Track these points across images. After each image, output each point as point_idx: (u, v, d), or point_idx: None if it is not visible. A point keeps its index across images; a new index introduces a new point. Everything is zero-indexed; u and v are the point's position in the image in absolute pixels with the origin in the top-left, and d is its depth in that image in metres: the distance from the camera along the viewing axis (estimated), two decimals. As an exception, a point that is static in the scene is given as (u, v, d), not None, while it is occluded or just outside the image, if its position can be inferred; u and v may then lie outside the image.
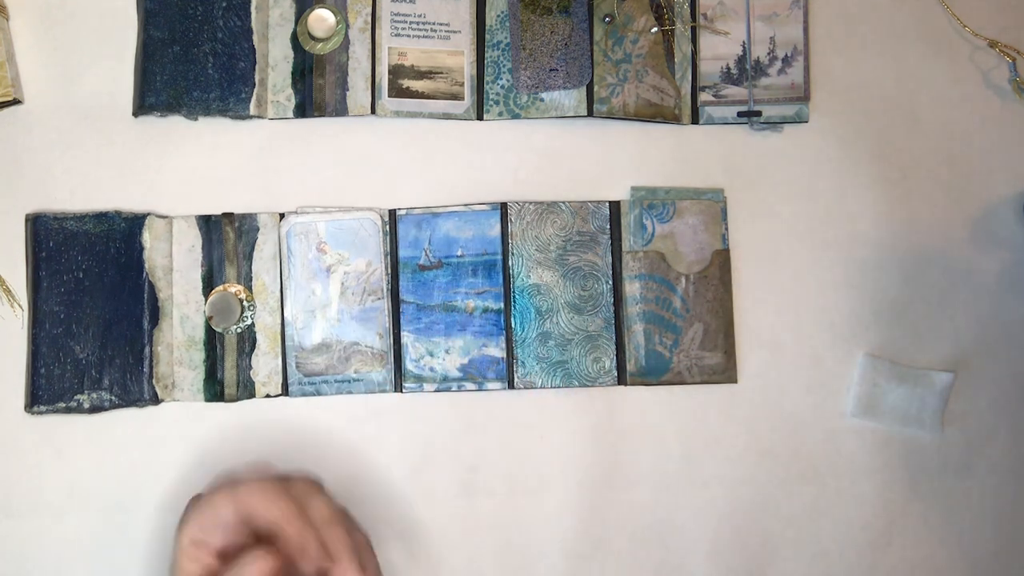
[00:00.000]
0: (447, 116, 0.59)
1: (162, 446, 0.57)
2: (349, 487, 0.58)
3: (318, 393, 0.57)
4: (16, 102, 0.58)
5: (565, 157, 0.60)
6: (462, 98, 0.59)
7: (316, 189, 0.59)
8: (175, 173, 0.59)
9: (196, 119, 0.59)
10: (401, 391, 0.58)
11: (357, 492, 0.58)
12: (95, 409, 0.56)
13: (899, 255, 0.60)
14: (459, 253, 0.58)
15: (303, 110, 0.58)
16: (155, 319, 0.57)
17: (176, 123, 0.59)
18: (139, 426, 0.57)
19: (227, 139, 0.59)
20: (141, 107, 0.58)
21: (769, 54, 0.60)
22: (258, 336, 0.58)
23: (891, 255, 0.60)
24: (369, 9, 0.59)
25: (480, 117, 0.59)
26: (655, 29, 0.59)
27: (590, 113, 0.59)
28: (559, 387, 0.58)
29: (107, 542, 0.57)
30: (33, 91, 0.59)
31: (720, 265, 0.59)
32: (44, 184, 0.58)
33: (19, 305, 0.57)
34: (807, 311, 0.60)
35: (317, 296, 0.58)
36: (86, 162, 0.58)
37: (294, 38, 0.58)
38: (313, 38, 0.58)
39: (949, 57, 0.61)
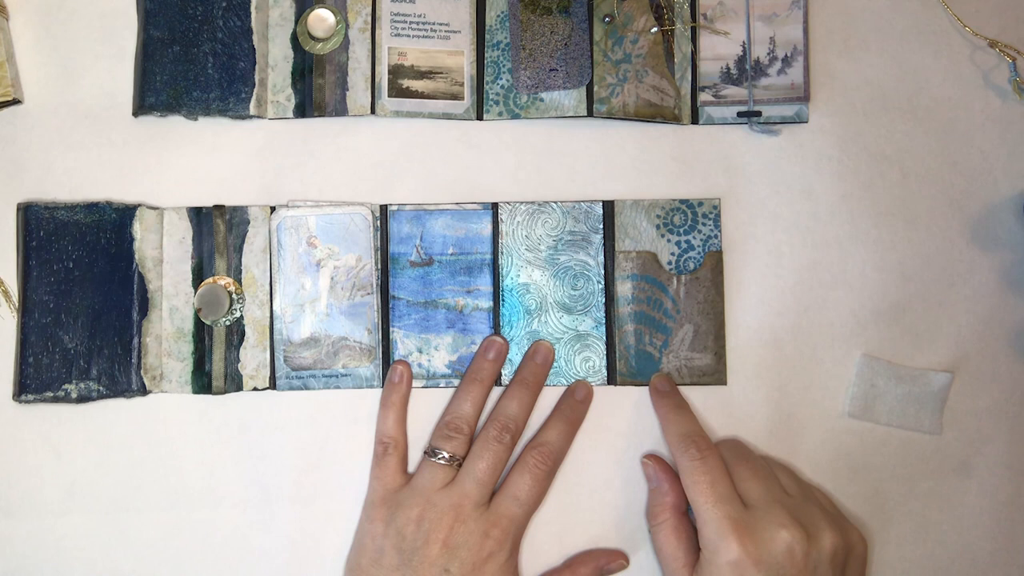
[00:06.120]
0: (447, 116, 0.59)
1: (149, 437, 0.57)
2: (337, 483, 0.58)
3: (306, 387, 0.58)
4: (16, 102, 0.58)
5: (565, 157, 0.60)
6: (462, 98, 0.59)
7: (316, 189, 0.59)
8: (175, 173, 0.59)
9: (196, 119, 0.59)
10: (390, 387, 0.58)
11: (345, 488, 0.58)
12: (83, 399, 0.56)
13: (899, 255, 0.60)
14: (450, 251, 0.58)
15: (303, 110, 0.58)
16: (144, 310, 0.57)
17: (176, 123, 0.59)
18: (127, 417, 0.57)
19: (227, 139, 0.59)
20: (141, 107, 0.58)
21: (769, 54, 0.60)
22: (246, 329, 0.58)
23: (891, 255, 0.60)
24: (369, 9, 0.59)
25: (480, 117, 0.59)
26: (655, 29, 0.59)
27: (590, 113, 0.59)
28: (548, 386, 0.58)
29: (106, 536, 0.57)
30: (33, 91, 0.59)
31: (712, 267, 0.58)
32: (44, 184, 0.58)
33: (14, 307, 0.57)
34: (806, 311, 0.59)
35: (306, 290, 0.58)
36: (86, 162, 0.58)
37: (294, 38, 0.59)
38: (313, 38, 0.58)
39: (949, 57, 0.61)
